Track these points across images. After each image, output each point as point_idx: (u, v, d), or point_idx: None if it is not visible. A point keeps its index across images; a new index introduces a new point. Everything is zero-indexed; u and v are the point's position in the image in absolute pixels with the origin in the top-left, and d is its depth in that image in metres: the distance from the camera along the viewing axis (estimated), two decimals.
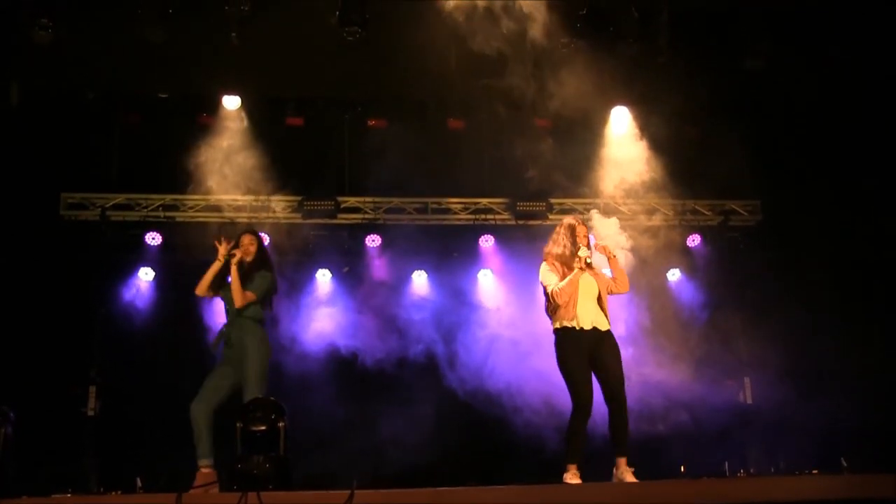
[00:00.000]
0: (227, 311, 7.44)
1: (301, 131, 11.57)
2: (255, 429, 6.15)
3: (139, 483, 8.10)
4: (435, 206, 11.96)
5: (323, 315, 11.32)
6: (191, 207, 11.54)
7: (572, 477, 6.43)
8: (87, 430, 10.37)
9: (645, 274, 10.07)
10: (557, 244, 6.95)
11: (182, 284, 10.67)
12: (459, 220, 12.01)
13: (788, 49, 9.80)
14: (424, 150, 11.03)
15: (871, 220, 10.16)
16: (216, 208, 11.48)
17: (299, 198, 11.46)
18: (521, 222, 11.89)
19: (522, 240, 11.44)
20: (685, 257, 11.75)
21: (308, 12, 9.29)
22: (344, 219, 11.80)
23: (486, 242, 11.82)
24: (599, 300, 6.86)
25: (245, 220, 11.31)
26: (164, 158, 11.06)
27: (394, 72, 10.29)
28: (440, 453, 10.53)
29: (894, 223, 9.80)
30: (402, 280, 11.71)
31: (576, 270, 6.77)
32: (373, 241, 11.65)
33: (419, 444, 10.47)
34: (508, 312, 11.32)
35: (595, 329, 6.76)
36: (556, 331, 6.83)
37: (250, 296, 7.31)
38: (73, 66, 10.12)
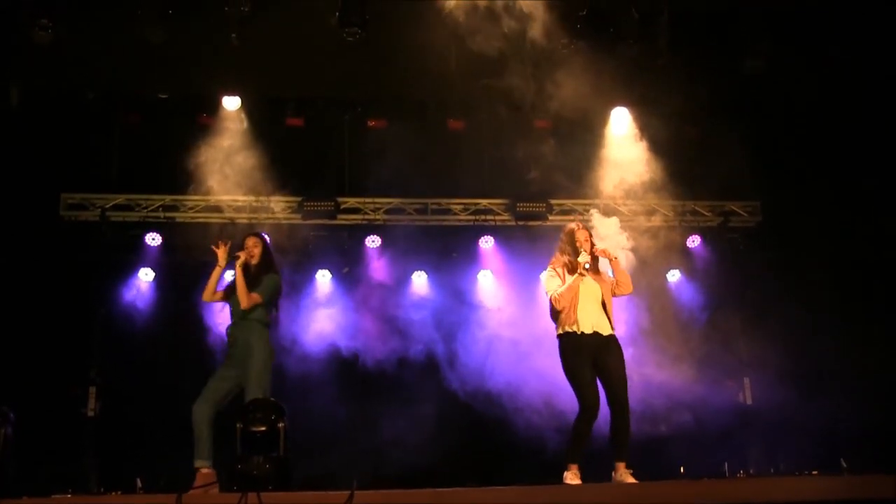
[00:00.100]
0: (233, 314, 7.43)
1: (301, 132, 11.56)
2: (254, 429, 6.15)
3: (139, 483, 8.11)
4: (435, 206, 11.95)
5: (323, 316, 11.31)
6: (191, 208, 11.55)
7: (573, 477, 6.45)
8: (87, 430, 10.38)
9: (645, 275, 10.05)
10: (561, 251, 6.99)
11: (182, 285, 10.74)
12: (459, 220, 12.00)
13: (788, 49, 9.80)
14: (424, 150, 11.02)
15: (871, 220, 10.15)
16: (216, 209, 11.49)
17: (299, 198, 11.46)
18: (520, 223, 11.90)
19: (522, 240, 11.45)
20: (685, 258, 11.76)
21: (308, 13, 9.29)
22: (344, 219, 11.81)
23: (486, 243, 11.82)
24: (604, 304, 6.87)
25: (245, 221, 11.33)
26: (163, 159, 11.06)
27: (394, 72, 10.30)
28: (441, 454, 10.52)
29: (894, 223, 9.79)
30: (402, 281, 11.72)
31: (574, 276, 6.78)
32: (373, 241, 11.66)
33: (420, 444, 10.47)
34: (508, 313, 11.33)
35: (596, 333, 6.76)
36: (558, 336, 6.86)
37: (256, 297, 7.30)
38: (73, 67, 10.12)
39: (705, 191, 11.79)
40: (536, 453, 9.92)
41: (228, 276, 7.71)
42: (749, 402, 11.16)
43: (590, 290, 6.85)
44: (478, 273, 11.84)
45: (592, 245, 6.96)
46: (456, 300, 11.53)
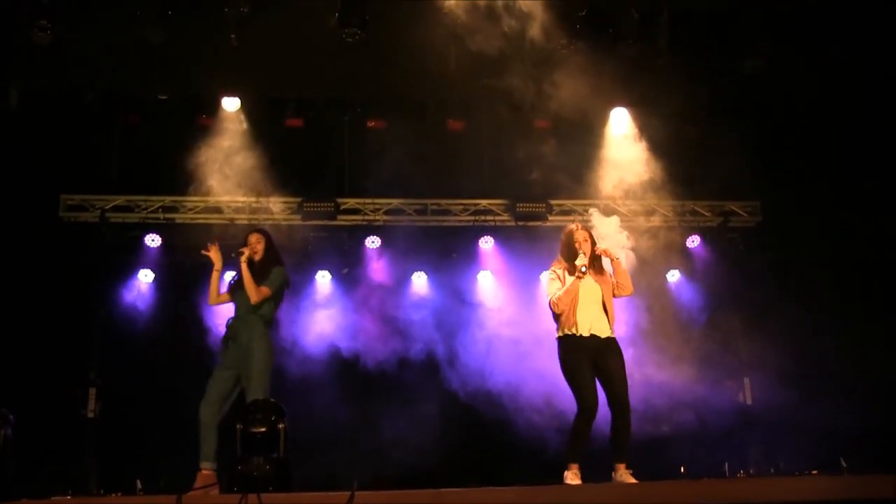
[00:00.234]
0: (237, 310, 7.42)
1: (300, 132, 11.56)
2: (255, 430, 6.15)
3: (139, 485, 8.10)
4: (434, 207, 11.95)
5: (323, 317, 11.31)
6: (190, 209, 11.54)
7: (573, 477, 6.45)
8: (86, 431, 10.38)
9: (645, 275, 10.04)
10: (561, 253, 6.99)
11: (182, 286, 10.75)
12: (459, 221, 12.00)
13: (788, 49, 9.79)
14: (424, 151, 11.00)
15: (871, 220, 10.14)
16: (216, 210, 11.49)
17: (299, 199, 11.46)
18: (520, 223, 11.89)
19: (522, 241, 11.46)
20: (685, 258, 11.76)
21: (307, 13, 9.28)
22: (343, 220, 11.80)
23: (486, 243, 11.82)
24: (604, 305, 6.86)
25: (244, 222, 11.32)
26: (163, 160, 11.06)
27: (393, 72, 10.29)
28: (441, 454, 10.52)
29: (894, 223, 9.78)
30: (402, 281, 11.71)
31: (573, 279, 6.77)
32: (372, 242, 11.65)
33: (420, 445, 10.47)
34: (509, 313, 11.32)
35: (594, 336, 6.76)
36: (557, 338, 6.87)
37: (265, 291, 7.30)
38: (72, 67, 10.12)
39: (705, 191, 11.79)
40: (537, 453, 9.92)
41: (229, 277, 7.72)
42: (749, 401, 11.16)
43: (590, 292, 6.84)
44: (478, 273, 11.84)
45: (593, 245, 6.95)
46: (456, 300, 11.52)
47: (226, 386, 7.21)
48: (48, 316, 10.28)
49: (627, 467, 6.53)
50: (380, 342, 11.11)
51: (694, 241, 11.86)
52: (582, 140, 11.07)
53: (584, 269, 6.74)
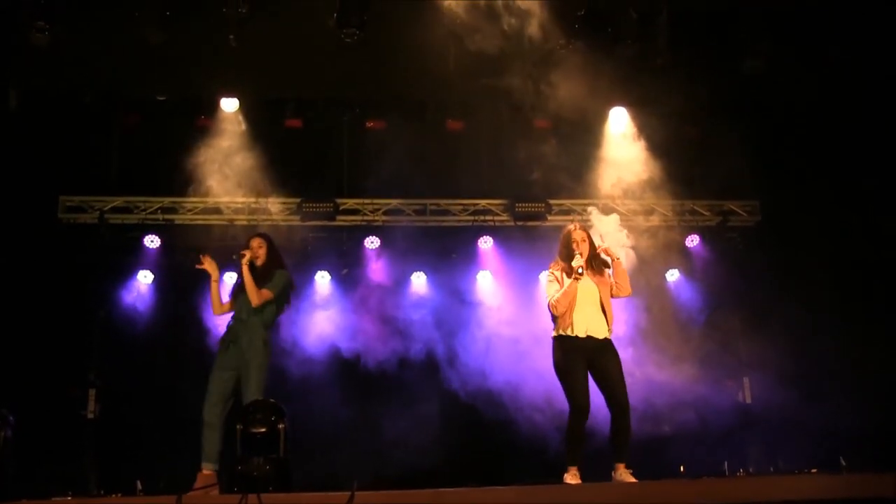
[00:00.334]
0: (239, 312, 7.41)
1: (299, 133, 11.55)
2: (255, 430, 6.15)
3: (139, 485, 8.08)
4: (434, 207, 11.94)
5: (322, 317, 11.31)
6: (189, 210, 11.53)
7: (572, 478, 6.45)
8: (86, 432, 10.37)
9: (644, 274, 10.05)
10: (559, 254, 6.98)
11: (181, 287, 10.75)
12: (458, 221, 11.99)
13: (788, 49, 9.79)
14: (423, 151, 11.00)
15: (871, 219, 10.14)
16: (215, 211, 11.49)
17: (298, 199, 11.46)
18: (519, 223, 11.88)
19: (521, 241, 11.46)
20: (684, 258, 11.76)
21: (306, 13, 9.27)
22: (343, 220, 11.79)
23: (485, 243, 11.82)
24: (603, 306, 6.86)
25: (244, 223, 11.32)
26: (162, 161, 11.04)
27: (392, 73, 10.29)
28: (442, 454, 10.54)
29: (894, 223, 9.78)
30: (402, 281, 11.71)
31: (570, 281, 6.76)
32: (372, 242, 11.65)
33: (421, 444, 10.48)
34: (508, 312, 11.32)
35: (590, 337, 6.75)
36: (553, 338, 6.87)
37: (267, 293, 7.30)
38: (71, 68, 10.10)
39: (704, 190, 11.79)
40: (538, 453, 9.92)
41: (231, 284, 7.72)
42: (748, 401, 11.15)
43: (588, 293, 6.84)
44: (477, 273, 11.83)
45: (591, 245, 6.94)
46: (455, 300, 11.51)
47: (227, 387, 7.22)
48: (48, 317, 10.28)
49: (627, 467, 6.52)
50: (379, 342, 11.11)
51: (693, 241, 11.85)
52: (581, 140, 11.06)
53: (581, 271, 6.74)
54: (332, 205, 11.55)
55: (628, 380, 6.79)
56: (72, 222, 11.36)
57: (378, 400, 11.03)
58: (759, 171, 11.12)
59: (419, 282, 11.76)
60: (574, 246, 6.84)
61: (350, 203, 11.79)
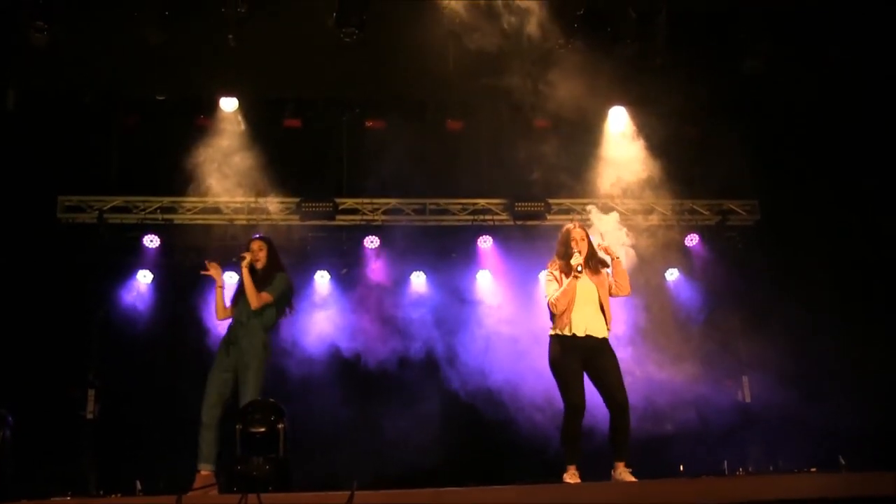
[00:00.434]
0: (239, 315, 7.41)
1: (299, 132, 11.54)
2: (254, 430, 6.14)
3: (139, 485, 8.08)
4: (433, 206, 11.94)
5: (322, 317, 11.30)
6: (189, 210, 11.52)
7: (571, 477, 6.45)
8: (85, 432, 10.35)
9: (643, 274, 10.06)
10: (557, 253, 6.98)
11: (180, 287, 10.74)
12: (458, 220, 11.99)
13: (788, 49, 9.80)
14: (423, 150, 11.00)
15: (870, 219, 10.14)
16: (214, 210, 11.48)
17: (297, 199, 11.45)
18: (519, 223, 11.88)
19: (521, 240, 11.47)
20: (683, 257, 11.76)
21: (305, 13, 9.27)
22: (342, 220, 11.79)
23: (485, 243, 11.82)
24: (601, 306, 6.85)
25: (243, 222, 11.32)
26: (161, 160, 11.03)
27: (392, 72, 10.28)
28: (442, 454, 10.53)
29: (893, 223, 9.78)
30: (401, 281, 11.71)
31: (569, 279, 6.76)
32: (371, 242, 11.64)
33: (421, 444, 10.48)
34: (507, 311, 11.32)
35: (589, 336, 6.74)
36: (550, 336, 6.86)
37: (266, 297, 7.30)
38: (70, 68, 10.10)
39: (704, 189, 11.79)
40: (538, 452, 9.91)
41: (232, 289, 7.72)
42: (748, 400, 11.15)
43: (586, 292, 6.83)
44: (476, 273, 11.83)
45: (590, 244, 6.94)
46: (455, 300, 11.51)
47: (226, 388, 7.21)
48: (47, 317, 10.27)
49: (627, 465, 6.52)
50: (379, 342, 11.12)
51: (693, 240, 11.86)
52: (581, 139, 11.06)
53: (580, 269, 6.73)
54: (331, 204, 11.54)
55: (627, 379, 6.79)
56: (71, 222, 11.34)
57: (378, 399, 11.03)
58: (759, 171, 11.14)
59: (419, 281, 11.76)
60: (573, 244, 6.84)
61: (349, 203, 11.78)
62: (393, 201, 11.80)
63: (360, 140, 11.51)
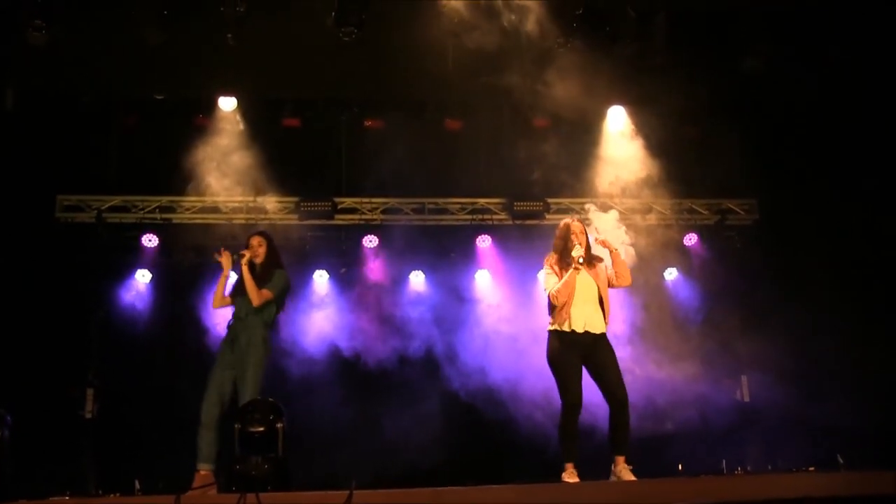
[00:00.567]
0: (238, 312, 7.41)
1: (298, 132, 11.54)
2: (253, 430, 6.13)
3: (137, 485, 8.08)
4: (432, 206, 11.94)
5: (320, 316, 11.30)
6: (187, 209, 11.51)
7: (570, 475, 6.46)
8: (85, 432, 10.34)
9: (642, 273, 10.05)
10: (556, 248, 6.97)
11: (179, 286, 10.74)
12: (457, 220, 11.99)
13: (788, 49, 9.79)
14: (422, 150, 10.99)
15: (870, 219, 10.13)
16: (213, 210, 11.47)
17: (296, 199, 11.45)
18: (518, 222, 11.88)
19: (520, 239, 11.47)
20: (682, 256, 11.76)
21: (304, 12, 9.27)
22: (341, 219, 11.79)
23: (484, 242, 11.81)
24: (600, 301, 6.85)
25: (242, 222, 11.31)
26: (160, 160, 11.02)
27: (391, 72, 10.27)
28: (442, 453, 10.52)
29: (893, 222, 9.78)
30: (400, 280, 11.70)
31: (570, 271, 6.76)
32: (370, 241, 11.64)
33: (421, 443, 10.48)
34: (506, 311, 11.32)
35: (588, 332, 6.75)
36: (549, 332, 6.87)
37: (267, 294, 7.31)
38: (69, 68, 10.08)
39: (702, 189, 11.80)
40: (538, 451, 9.90)
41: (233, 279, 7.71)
42: (746, 399, 11.15)
43: (585, 287, 6.83)
44: (475, 272, 11.83)
45: (587, 238, 6.94)
46: (454, 299, 11.51)
47: (226, 386, 7.21)
48: (45, 317, 10.26)
49: (627, 461, 6.51)
50: (378, 341, 11.12)
51: (691, 239, 11.86)
52: (580, 139, 11.07)
53: (581, 260, 6.73)
54: (330, 204, 11.54)
55: (627, 377, 6.79)
56: (69, 221, 11.34)
57: (377, 399, 11.03)
58: (758, 171, 11.12)
59: (417, 280, 11.76)
60: (573, 237, 6.85)
61: (348, 202, 11.78)
62: (392, 201, 11.80)
63: (359, 139, 11.50)
